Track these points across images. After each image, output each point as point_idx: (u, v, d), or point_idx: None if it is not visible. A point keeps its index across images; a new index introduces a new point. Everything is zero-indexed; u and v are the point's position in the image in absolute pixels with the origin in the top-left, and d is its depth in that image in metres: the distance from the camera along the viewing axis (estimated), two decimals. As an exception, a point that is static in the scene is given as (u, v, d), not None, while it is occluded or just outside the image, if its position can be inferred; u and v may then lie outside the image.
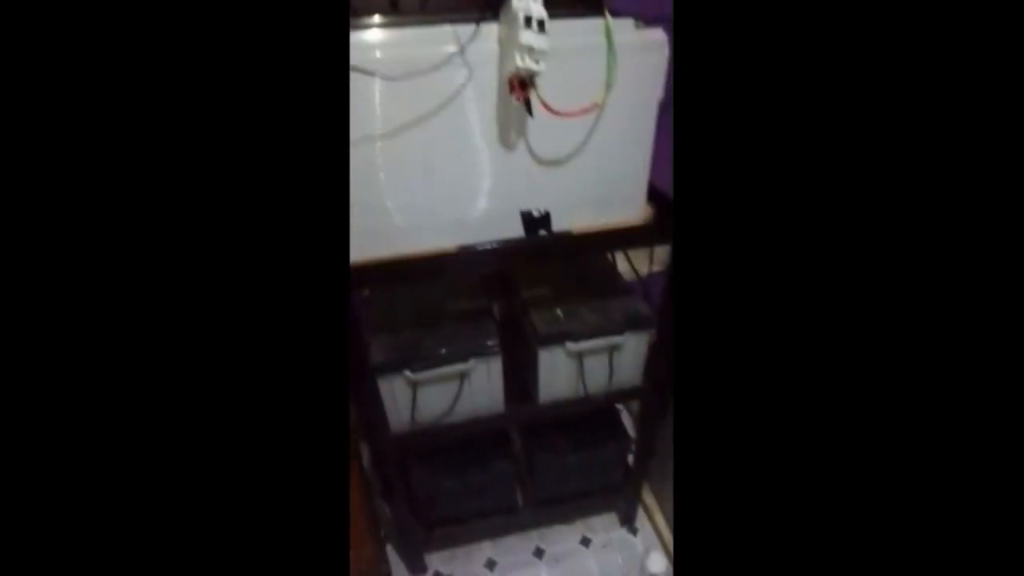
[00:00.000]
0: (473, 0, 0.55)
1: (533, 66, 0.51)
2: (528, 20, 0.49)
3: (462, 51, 0.53)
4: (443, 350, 0.80)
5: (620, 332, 0.85)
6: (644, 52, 0.60)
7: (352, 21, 0.55)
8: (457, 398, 0.85)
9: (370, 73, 0.52)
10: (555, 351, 0.84)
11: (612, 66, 0.57)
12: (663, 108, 0.67)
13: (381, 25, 0.55)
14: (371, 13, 0.60)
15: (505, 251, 0.69)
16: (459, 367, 0.81)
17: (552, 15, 0.53)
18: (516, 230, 0.71)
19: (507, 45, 0.53)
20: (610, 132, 0.65)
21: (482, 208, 0.67)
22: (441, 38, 0.54)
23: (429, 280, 0.93)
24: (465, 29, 0.54)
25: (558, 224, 0.71)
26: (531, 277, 0.96)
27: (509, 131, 0.62)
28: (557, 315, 0.86)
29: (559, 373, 0.88)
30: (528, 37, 0.49)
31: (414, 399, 0.82)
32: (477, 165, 0.64)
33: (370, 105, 0.56)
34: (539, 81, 0.55)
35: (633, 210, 0.74)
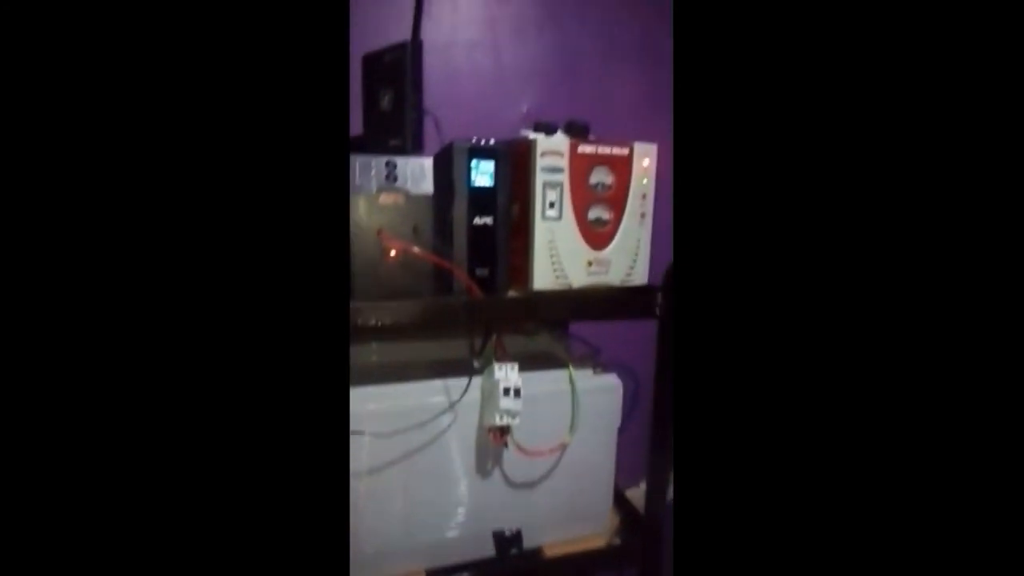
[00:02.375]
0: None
1: (510, 421, 0.60)
2: (507, 390, 0.59)
3: (452, 407, 0.61)
4: None
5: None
6: (601, 394, 0.71)
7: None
8: None
9: (361, 433, 0.58)
10: None
11: (576, 414, 0.67)
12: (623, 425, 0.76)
13: (375, 381, 0.64)
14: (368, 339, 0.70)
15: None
16: None
17: (525, 368, 0.64)
18: (487, 549, 0.71)
19: (488, 399, 0.62)
20: (576, 458, 0.71)
21: (455, 531, 0.69)
22: (432, 393, 0.63)
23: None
24: (454, 383, 0.64)
25: (529, 540, 0.72)
26: None
27: (486, 462, 0.67)
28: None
29: None
30: (506, 403, 0.58)
31: None
32: (454, 492, 0.67)
33: (357, 451, 0.61)
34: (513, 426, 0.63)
35: (600, 523, 0.77)
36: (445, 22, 0.98)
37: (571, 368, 0.68)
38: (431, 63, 0.96)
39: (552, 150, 0.63)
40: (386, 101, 0.64)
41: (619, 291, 0.67)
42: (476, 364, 0.67)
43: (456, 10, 0.99)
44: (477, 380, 0.65)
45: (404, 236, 0.59)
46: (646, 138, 0.68)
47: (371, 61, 0.66)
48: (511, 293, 0.67)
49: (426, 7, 0.95)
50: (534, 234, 0.63)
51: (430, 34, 0.95)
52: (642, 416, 0.75)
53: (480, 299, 0.60)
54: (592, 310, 0.66)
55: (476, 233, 0.63)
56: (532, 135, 0.67)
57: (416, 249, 0.58)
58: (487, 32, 1.01)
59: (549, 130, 0.69)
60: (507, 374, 0.60)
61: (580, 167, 0.64)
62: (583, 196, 0.64)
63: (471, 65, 1.00)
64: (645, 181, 0.67)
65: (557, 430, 0.68)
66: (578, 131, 0.69)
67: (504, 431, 0.61)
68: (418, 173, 0.59)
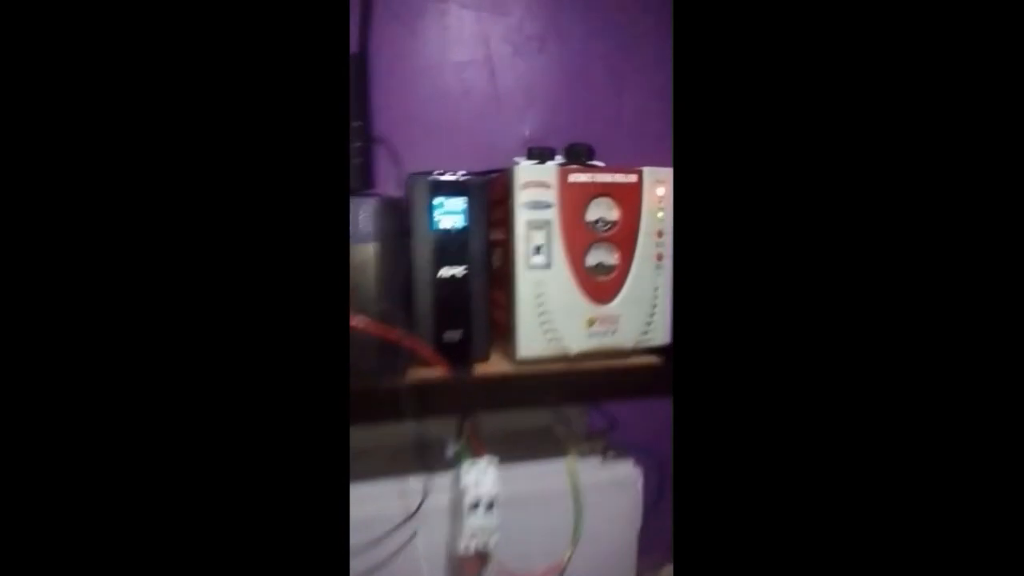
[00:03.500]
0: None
1: (484, 546, 0.44)
2: (476, 504, 0.43)
3: (410, 518, 0.47)
4: None
5: None
6: (614, 489, 0.55)
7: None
8: None
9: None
10: None
11: (580, 519, 0.51)
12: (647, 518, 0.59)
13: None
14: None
15: None
16: None
17: (512, 456, 0.50)
18: None
19: (459, 509, 0.47)
20: (582, 574, 0.55)
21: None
22: (386, 498, 0.49)
23: None
24: (414, 483, 0.49)
25: None
26: None
27: (462, 584, 0.52)
28: None
29: None
30: (476, 520, 0.43)
31: None
32: (422, 623, 0.52)
33: None
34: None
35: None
36: (433, 40, 0.87)
37: (572, 458, 0.53)
38: (417, 86, 0.86)
39: (535, 180, 0.49)
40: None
41: (632, 362, 0.52)
42: (449, 452, 0.53)
43: (446, 28, 0.88)
44: (446, 477, 0.50)
45: (346, 297, 0.45)
46: (667, 163, 0.53)
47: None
48: (493, 359, 0.52)
49: (415, 24, 0.86)
50: (516, 288, 0.49)
51: (416, 54, 0.85)
52: (668, 504, 0.58)
53: (440, 381, 0.46)
54: (598, 386, 0.50)
55: (443, 288, 0.50)
56: (525, 163, 0.54)
57: (354, 320, 0.44)
58: (481, 50, 0.89)
59: (545, 156, 0.56)
60: (479, 478, 0.45)
61: (574, 200, 0.50)
62: (579, 236, 0.50)
63: (462, 87, 0.88)
64: (661, 215, 0.52)
65: (556, 540, 0.52)
66: (580, 156, 0.55)
67: (482, 556, 0.46)
68: (364, 217, 0.47)
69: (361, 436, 0.58)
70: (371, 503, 0.48)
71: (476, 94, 0.89)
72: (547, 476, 0.53)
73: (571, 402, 0.56)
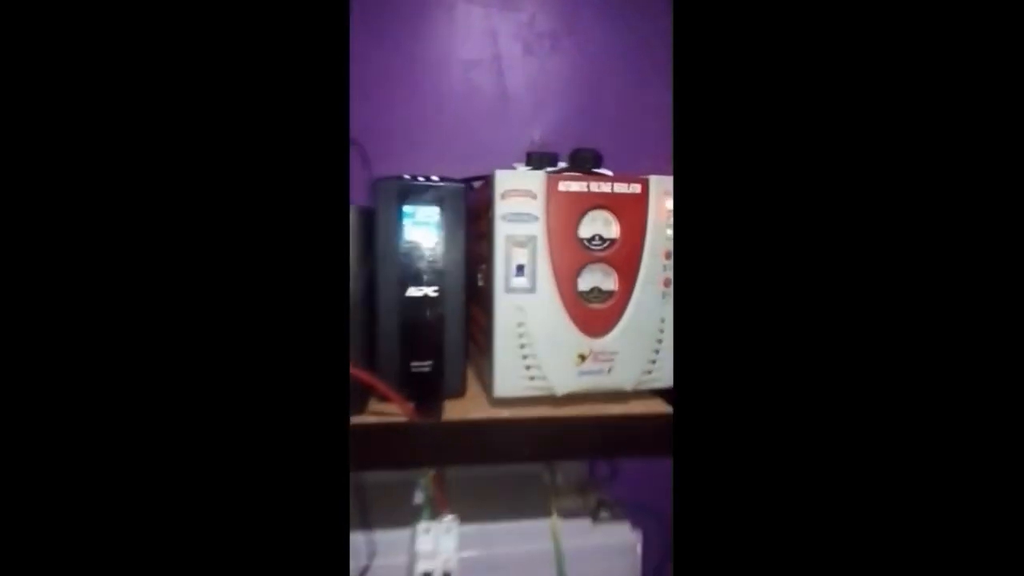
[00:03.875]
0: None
1: (436, 629, 0.37)
2: (428, 578, 0.36)
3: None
4: None
5: None
6: (608, 556, 0.46)
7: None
8: None
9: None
10: None
11: (561, 591, 0.43)
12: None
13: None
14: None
15: None
16: None
17: (486, 514, 0.42)
18: None
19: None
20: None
21: None
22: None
23: None
24: (379, 538, 0.42)
25: None
26: None
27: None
28: None
29: None
30: (426, 600, 0.36)
31: None
32: None
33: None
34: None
35: None
36: (438, 37, 0.81)
37: (555, 519, 0.44)
38: (419, 85, 0.80)
39: (518, 189, 0.41)
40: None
41: (632, 408, 0.44)
42: (417, 499, 0.45)
43: (452, 24, 0.82)
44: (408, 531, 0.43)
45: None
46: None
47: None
48: (471, 394, 0.45)
49: (418, 20, 0.80)
50: (494, 314, 0.42)
51: (420, 52, 0.79)
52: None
53: (393, 426, 0.38)
54: (589, 436, 0.42)
55: (411, 311, 0.43)
56: (522, 168, 0.47)
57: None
58: (489, 48, 0.83)
59: (544, 162, 0.49)
60: (436, 543, 0.37)
61: (564, 213, 0.42)
62: (570, 255, 0.42)
63: (467, 87, 0.82)
64: (670, 232, 0.44)
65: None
66: (584, 163, 0.48)
67: (434, 635, 0.39)
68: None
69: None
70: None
71: (483, 95, 0.83)
72: (528, 537, 0.45)
73: (555, 457, 0.48)
